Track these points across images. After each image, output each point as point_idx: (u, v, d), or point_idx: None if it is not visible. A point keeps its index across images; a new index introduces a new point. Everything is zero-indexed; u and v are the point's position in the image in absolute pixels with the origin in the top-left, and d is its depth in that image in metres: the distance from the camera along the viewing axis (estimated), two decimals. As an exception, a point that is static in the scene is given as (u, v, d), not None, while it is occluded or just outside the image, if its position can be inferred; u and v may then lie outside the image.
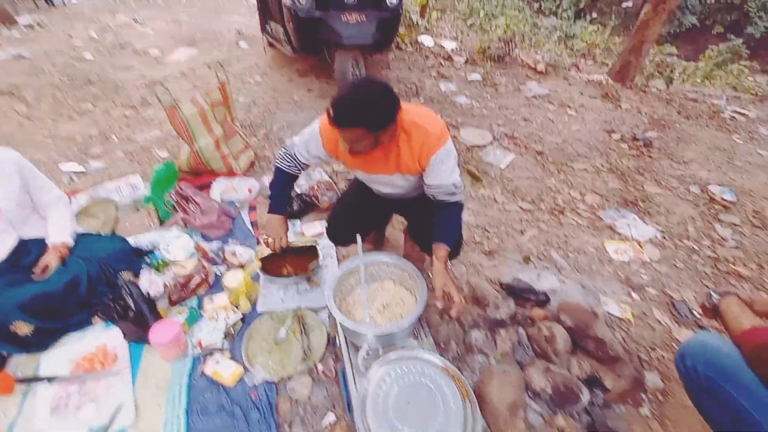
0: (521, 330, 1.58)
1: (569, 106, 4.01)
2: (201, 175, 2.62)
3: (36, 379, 1.40)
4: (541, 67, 4.88)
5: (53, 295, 1.48)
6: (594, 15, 10.33)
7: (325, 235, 1.71)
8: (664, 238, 2.32)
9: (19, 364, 1.48)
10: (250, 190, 2.42)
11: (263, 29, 4.40)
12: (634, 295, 1.90)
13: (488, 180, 2.75)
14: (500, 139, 3.28)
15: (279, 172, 1.55)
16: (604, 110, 4.00)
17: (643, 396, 1.39)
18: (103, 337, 1.55)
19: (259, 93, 3.86)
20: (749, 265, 2.14)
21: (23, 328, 1.44)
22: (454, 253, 1.52)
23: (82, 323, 1.59)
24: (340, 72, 3.39)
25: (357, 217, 1.62)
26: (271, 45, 4.61)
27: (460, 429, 1.02)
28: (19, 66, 4.27)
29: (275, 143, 3.07)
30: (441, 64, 4.83)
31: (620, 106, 4.12)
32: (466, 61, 4.97)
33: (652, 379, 1.46)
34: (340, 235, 1.68)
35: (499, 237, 2.23)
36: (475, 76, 4.50)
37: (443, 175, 1.30)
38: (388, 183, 1.45)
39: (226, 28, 5.73)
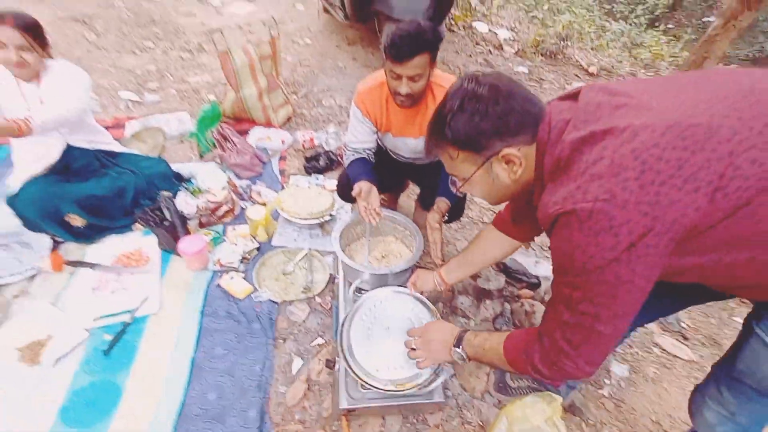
0: (507, 304, 1.70)
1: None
2: (241, 121, 2.82)
3: (82, 263, 1.66)
4: (593, 69, 4.75)
5: (103, 197, 1.73)
6: (670, 25, 9.69)
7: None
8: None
9: (69, 249, 1.74)
10: (282, 141, 2.59)
11: (320, -7, 4.50)
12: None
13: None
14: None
15: (351, 164, 1.56)
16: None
17: (606, 380, 1.49)
18: (141, 241, 1.79)
19: (306, 54, 4.00)
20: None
21: (77, 220, 1.69)
22: (454, 214, 1.62)
23: (125, 227, 1.84)
24: None
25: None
26: (325, 10, 4.70)
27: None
28: (93, -3, 4.58)
29: (313, 103, 3.23)
30: (490, 52, 4.78)
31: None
32: (516, 53, 4.90)
33: (620, 369, 1.55)
34: (348, 193, 1.69)
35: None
36: (522, 69, 4.46)
37: None
38: (412, 147, 1.56)
39: (286, -12, 5.86)
